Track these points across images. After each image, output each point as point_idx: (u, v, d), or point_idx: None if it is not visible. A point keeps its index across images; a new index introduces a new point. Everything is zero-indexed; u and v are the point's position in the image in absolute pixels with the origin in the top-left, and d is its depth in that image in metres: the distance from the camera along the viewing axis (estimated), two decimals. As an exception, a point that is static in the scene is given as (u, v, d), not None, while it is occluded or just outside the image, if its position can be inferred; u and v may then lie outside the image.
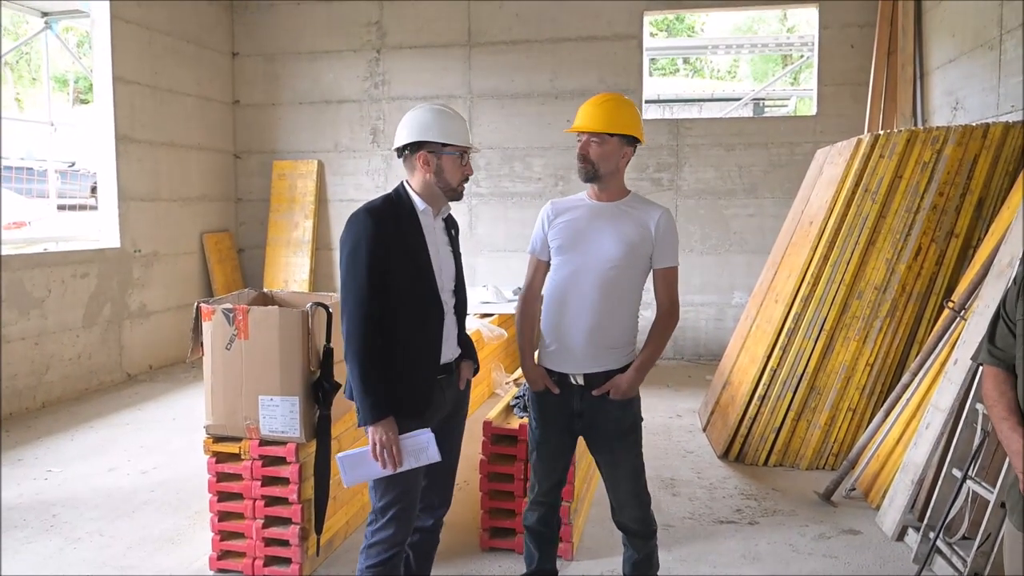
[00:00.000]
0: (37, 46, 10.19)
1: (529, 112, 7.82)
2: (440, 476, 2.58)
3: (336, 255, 7.93)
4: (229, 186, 8.50)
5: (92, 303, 6.46)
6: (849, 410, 4.46)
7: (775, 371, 4.61)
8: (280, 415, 3.09)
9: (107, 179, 6.77)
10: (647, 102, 8.49)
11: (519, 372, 3.81)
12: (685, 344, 7.72)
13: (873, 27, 6.92)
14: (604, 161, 2.55)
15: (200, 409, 3.36)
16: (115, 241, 6.77)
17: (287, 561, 3.18)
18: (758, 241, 7.42)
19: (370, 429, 2.31)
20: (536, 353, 2.71)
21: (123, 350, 6.84)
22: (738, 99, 13.43)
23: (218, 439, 3.20)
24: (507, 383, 5.96)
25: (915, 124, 6.43)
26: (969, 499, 3.14)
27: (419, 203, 2.44)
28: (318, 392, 3.11)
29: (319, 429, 3.12)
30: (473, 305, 6.23)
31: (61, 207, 8.87)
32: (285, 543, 3.18)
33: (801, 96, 13.02)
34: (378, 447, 2.30)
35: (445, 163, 2.41)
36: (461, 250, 2.67)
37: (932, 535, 3.16)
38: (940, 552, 3.18)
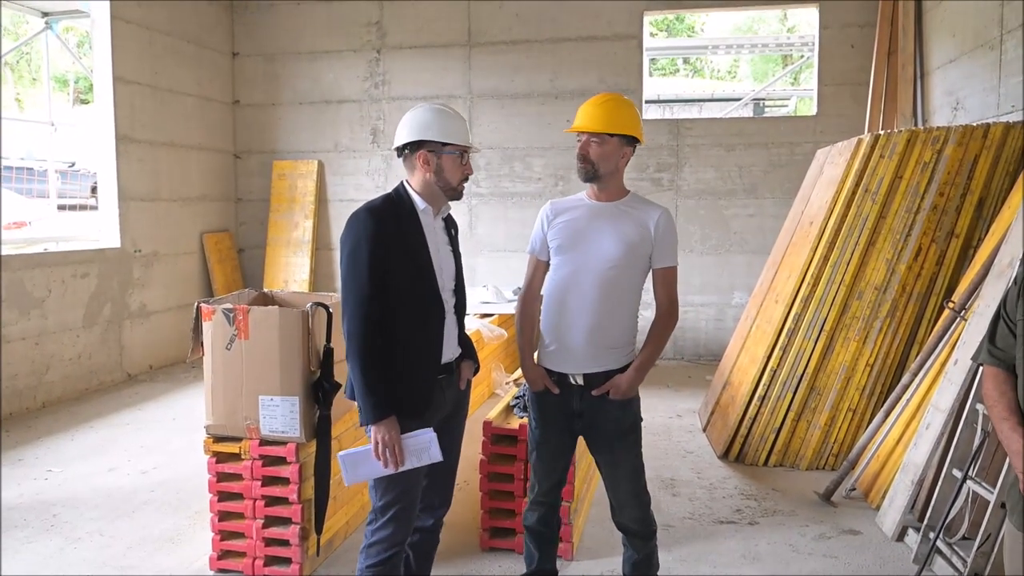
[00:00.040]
0: (37, 46, 10.19)
1: (529, 112, 7.82)
2: (440, 476, 2.58)
3: (336, 255, 7.94)
4: (229, 186, 8.50)
5: (92, 303, 6.46)
6: (849, 410, 4.46)
7: (775, 371, 4.61)
8: (280, 415, 3.09)
9: (107, 179, 6.77)
10: (647, 102, 8.49)
11: (519, 372, 3.81)
12: (685, 344, 7.72)
13: (873, 27, 6.92)
14: (604, 161, 2.56)
15: (200, 409, 3.36)
16: (115, 241, 6.77)
17: (287, 561, 3.18)
18: (758, 241, 7.42)
19: (372, 428, 2.31)
20: (536, 353, 2.71)
21: (123, 350, 6.84)
22: (738, 99, 13.44)
23: (218, 439, 3.20)
24: (507, 383, 5.96)
25: (915, 124, 6.43)
26: (969, 499, 3.14)
27: (419, 202, 2.44)
28: (318, 392, 3.11)
29: (319, 429, 3.12)
30: (473, 305, 6.23)
31: (61, 207, 8.87)
32: (285, 543, 3.18)
33: (801, 96, 13.02)
34: (380, 446, 2.30)
35: (445, 162, 2.41)
36: (461, 250, 2.68)
37: (932, 535, 3.16)
38: (940, 552, 3.18)
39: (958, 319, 3.77)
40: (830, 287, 4.50)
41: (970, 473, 3.07)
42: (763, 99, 14.10)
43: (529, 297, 2.74)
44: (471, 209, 7.98)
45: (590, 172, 2.57)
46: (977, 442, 3.12)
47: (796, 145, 7.36)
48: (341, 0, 8.09)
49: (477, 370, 2.69)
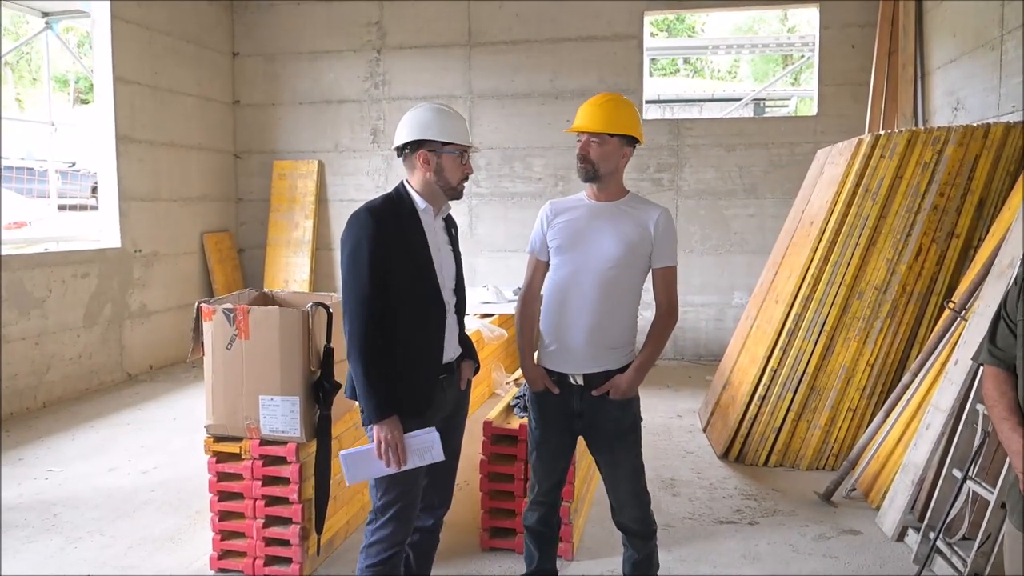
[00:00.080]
0: (37, 46, 10.19)
1: (529, 112, 7.82)
2: (440, 476, 2.58)
3: (336, 255, 7.95)
4: (229, 186, 8.50)
5: (92, 303, 6.46)
6: (849, 410, 4.46)
7: (775, 371, 4.60)
8: (280, 415, 3.09)
9: (107, 179, 6.78)
10: (647, 102, 8.49)
11: (519, 372, 3.81)
12: (685, 344, 7.72)
13: (874, 27, 6.92)
14: (604, 161, 2.56)
15: (200, 409, 3.36)
16: (115, 241, 6.78)
17: (287, 561, 3.19)
18: (758, 241, 7.42)
19: (375, 428, 2.31)
20: (536, 353, 2.71)
21: (123, 350, 6.84)
22: (739, 99, 13.44)
23: (219, 439, 3.20)
24: (507, 383, 5.96)
25: (916, 124, 6.43)
26: (969, 499, 3.14)
27: (419, 202, 2.44)
28: (318, 392, 3.11)
29: (319, 429, 3.13)
30: (473, 305, 6.23)
31: (62, 207, 8.86)
32: (286, 543, 3.18)
33: (802, 96, 13.02)
34: (383, 445, 2.30)
35: (445, 162, 2.42)
36: (461, 250, 2.68)
37: (932, 535, 3.16)
38: (940, 552, 3.18)
39: (958, 319, 3.77)
40: (830, 287, 4.50)
41: (970, 473, 3.07)
42: (763, 99, 14.09)
43: (529, 297, 2.74)
44: (471, 209, 7.98)
45: (590, 172, 2.57)
46: (977, 442, 3.12)
47: (796, 145, 7.36)
48: (341, 0, 8.10)
49: (477, 370, 2.70)
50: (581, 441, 2.80)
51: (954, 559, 3.09)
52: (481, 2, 7.80)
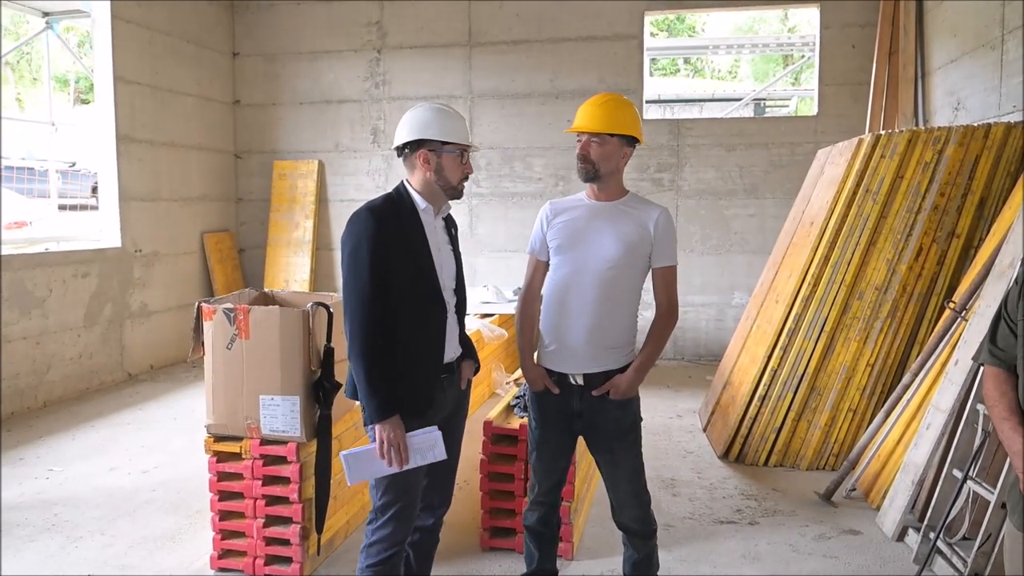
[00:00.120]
0: (38, 46, 10.19)
1: (529, 112, 7.82)
2: (440, 475, 2.58)
3: (337, 255, 7.95)
4: (229, 186, 8.50)
5: (93, 303, 6.47)
6: (850, 410, 4.46)
7: (775, 371, 4.60)
8: (281, 414, 3.09)
9: (108, 179, 6.78)
10: (648, 102, 8.49)
11: (519, 372, 3.81)
12: (685, 344, 7.72)
13: (874, 27, 6.92)
14: (605, 161, 2.56)
15: (201, 409, 3.37)
16: (116, 241, 6.78)
17: (288, 560, 3.19)
18: (759, 241, 7.42)
19: (377, 427, 2.31)
20: (536, 353, 2.71)
21: (124, 350, 6.84)
22: (739, 99, 13.43)
23: (219, 438, 3.20)
24: (507, 383, 5.96)
25: (916, 124, 6.43)
26: (970, 499, 3.14)
27: (420, 202, 2.44)
28: (319, 392, 3.11)
29: (320, 428, 3.13)
30: (473, 305, 6.23)
31: (62, 207, 8.86)
32: (286, 542, 3.18)
33: (802, 96, 13.01)
34: (385, 445, 2.30)
35: (445, 161, 2.42)
36: (461, 250, 2.68)
37: (932, 535, 3.16)
38: (940, 552, 3.17)
39: (959, 319, 3.77)
40: (831, 287, 4.50)
41: (970, 473, 3.07)
42: (764, 99, 14.09)
43: (529, 297, 2.74)
44: (471, 209, 7.98)
45: (591, 172, 2.57)
46: (978, 442, 3.12)
47: (797, 145, 7.36)
48: (341, 0, 8.10)
49: (477, 370, 2.70)
50: (581, 441, 2.80)
51: (954, 559, 3.09)
52: (481, 2, 7.80)
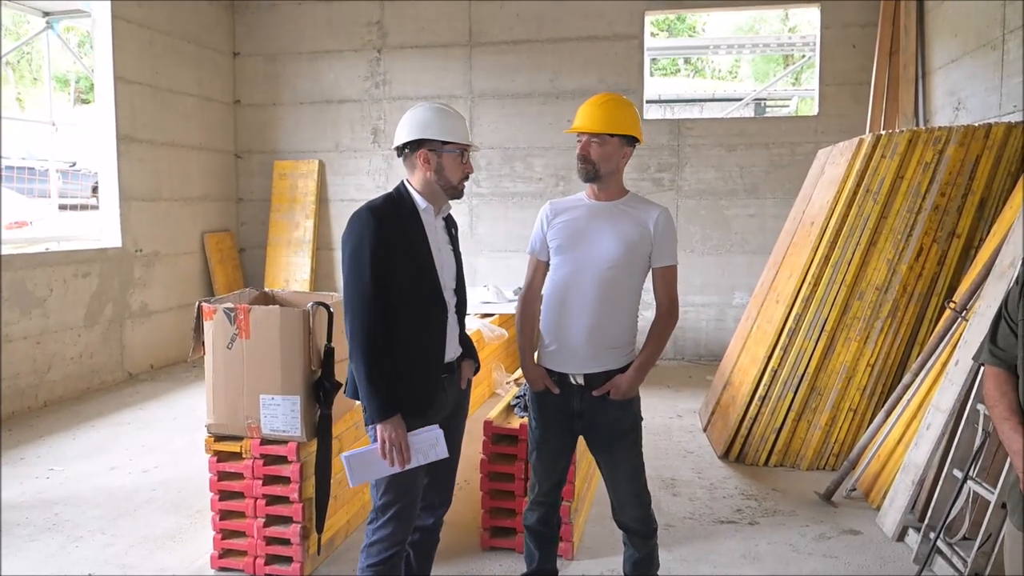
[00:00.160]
0: (38, 46, 10.20)
1: (530, 112, 7.82)
2: (441, 475, 2.58)
3: (337, 255, 7.95)
4: (230, 186, 8.51)
5: (93, 302, 6.47)
6: (850, 410, 4.46)
7: (776, 371, 4.60)
8: (281, 414, 3.09)
9: (108, 179, 6.78)
10: (648, 102, 8.49)
11: (519, 372, 3.81)
12: (686, 344, 7.72)
13: (875, 27, 6.92)
14: (605, 161, 2.56)
15: (201, 408, 3.37)
16: (116, 241, 6.78)
17: (288, 560, 3.19)
18: (759, 241, 7.42)
19: (378, 427, 2.31)
20: (536, 353, 2.71)
21: (124, 349, 6.84)
22: (739, 99, 13.43)
23: (219, 438, 3.20)
24: (507, 383, 5.96)
25: (917, 124, 6.43)
26: (970, 499, 3.14)
27: (420, 201, 2.44)
28: (319, 391, 3.11)
29: (320, 428, 3.13)
30: (474, 305, 6.23)
31: (62, 207, 8.86)
32: (286, 542, 3.19)
33: (802, 96, 13.01)
34: (387, 444, 2.30)
35: (445, 161, 2.42)
36: (461, 250, 2.68)
37: (933, 535, 3.16)
38: (941, 552, 3.17)
39: (959, 319, 3.77)
40: (831, 287, 4.50)
41: (971, 473, 3.07)
42: (764, 99, 14.09)
43: (529, 297, 2.74)
44: (472, 209, 7.98)
45: (591, 172, 2.58)
46: (978, 442, 3.12)
47: (797, 145, 7.36)
48: (342, 0, 8.10)
49: (478, 370, 2.70)
50: (581, 441, 2.80)
51: (954, 559, 3.09)
52: (482, 2, 7.80)
